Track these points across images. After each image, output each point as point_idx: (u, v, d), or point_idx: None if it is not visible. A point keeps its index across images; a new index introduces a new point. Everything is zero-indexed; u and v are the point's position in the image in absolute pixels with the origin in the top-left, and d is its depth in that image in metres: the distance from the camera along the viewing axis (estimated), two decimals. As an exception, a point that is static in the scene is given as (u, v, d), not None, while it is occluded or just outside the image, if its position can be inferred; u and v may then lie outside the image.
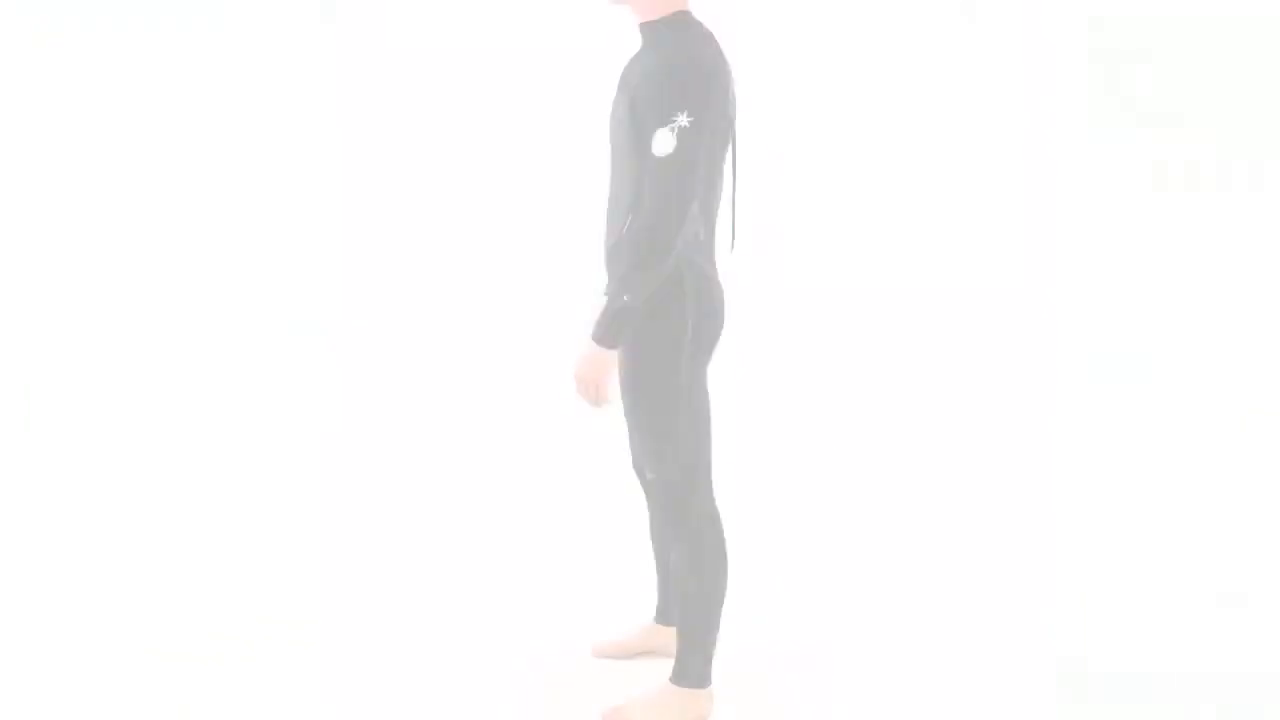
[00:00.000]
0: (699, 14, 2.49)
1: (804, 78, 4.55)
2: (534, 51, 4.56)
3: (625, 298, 2.24)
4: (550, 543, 3.53)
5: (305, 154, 4.53)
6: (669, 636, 2.83)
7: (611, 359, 2.29)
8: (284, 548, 3.42)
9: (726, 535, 2.63)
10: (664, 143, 2.20)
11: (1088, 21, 4.32)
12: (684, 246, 2.32)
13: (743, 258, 4.51)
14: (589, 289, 4.56)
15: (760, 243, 4.33)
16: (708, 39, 2.29)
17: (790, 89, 4.44)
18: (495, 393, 4.40)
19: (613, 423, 2.67)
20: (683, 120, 2.19)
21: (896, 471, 4.04)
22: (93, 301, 4.40)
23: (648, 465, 2.45)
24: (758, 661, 2.86)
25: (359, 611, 3.09)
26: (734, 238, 2.58)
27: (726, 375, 3.06)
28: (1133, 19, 4.22)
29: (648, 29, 2.33)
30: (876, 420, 4.35)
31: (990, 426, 4.26)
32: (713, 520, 2.47)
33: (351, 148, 4.56)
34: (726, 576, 2.51)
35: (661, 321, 2.33)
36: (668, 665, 2.83)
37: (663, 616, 2.82)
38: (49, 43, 4.29)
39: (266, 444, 4.04)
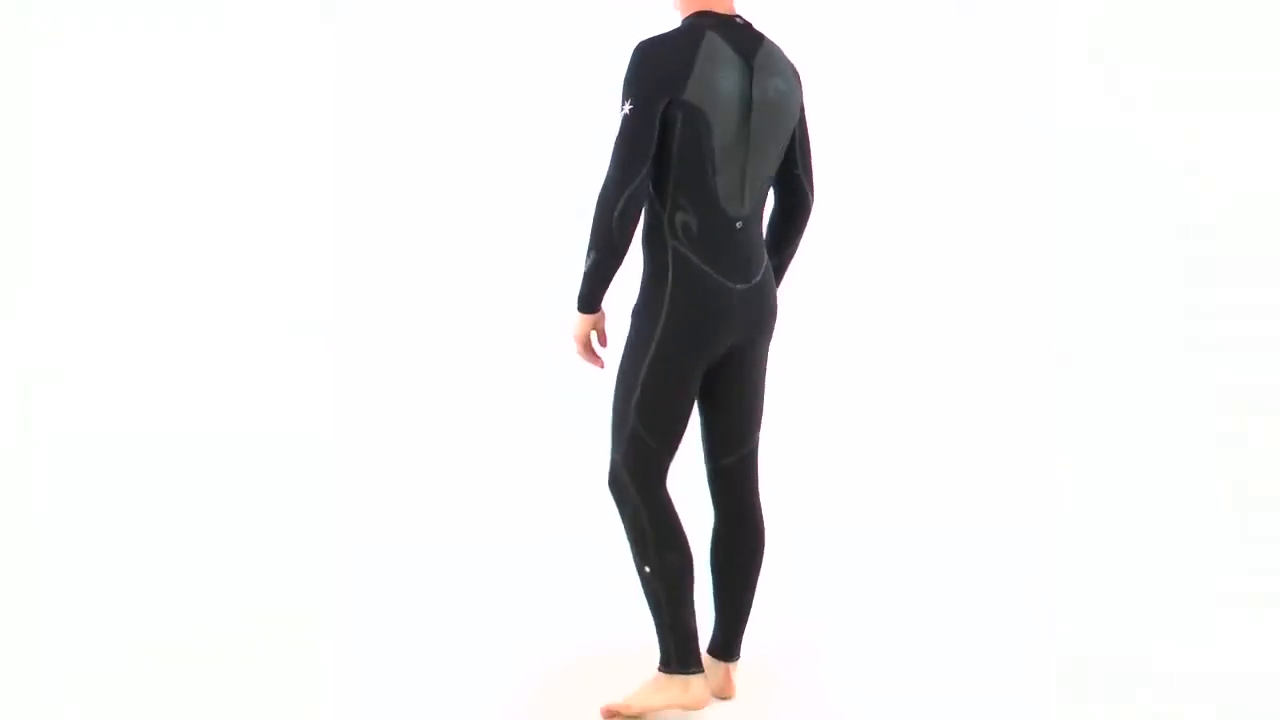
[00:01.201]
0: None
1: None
2: (535, 51, 4.56)
3: (585, 268, 2.40)
4: (549, 542, 3.53)
5: (305, 154, 4.53)
6: (706, 664, 2.71)
7: (588, 321, 2.45)
8: (281, 547, 3.42)
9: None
10: (618, 128, 2.36)
11: (1087, 20, 4.31)
12: (672, 238, 2.40)
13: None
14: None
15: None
16: (690, 32, 2.36)
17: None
18: (496, 392, 4.40)
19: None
20: (625, 108, 2.33)
21: (898, 470, 4.05)
22: (92, 300, 4.39)
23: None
24: (756, 659, 2.85)
25: (359, 612, 3.09)
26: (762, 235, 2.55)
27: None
28: (1132, 15, 4.22)
29: None
30: (879, 419, 4.34)
31: (992, 425, 4.25)
32: (655, 511, 2.48)
33: (351, 148, 4.56)
34: (677, 566, 2.49)
35: (643, 309, 2.46)
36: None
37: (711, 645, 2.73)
38: (48, 41, 4.29)
39: (264, 443, 4.04)
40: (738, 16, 2.45)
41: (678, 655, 2.54)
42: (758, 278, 2.49)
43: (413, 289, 4.61)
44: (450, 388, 4.45)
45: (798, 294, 4.49)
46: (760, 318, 2.52)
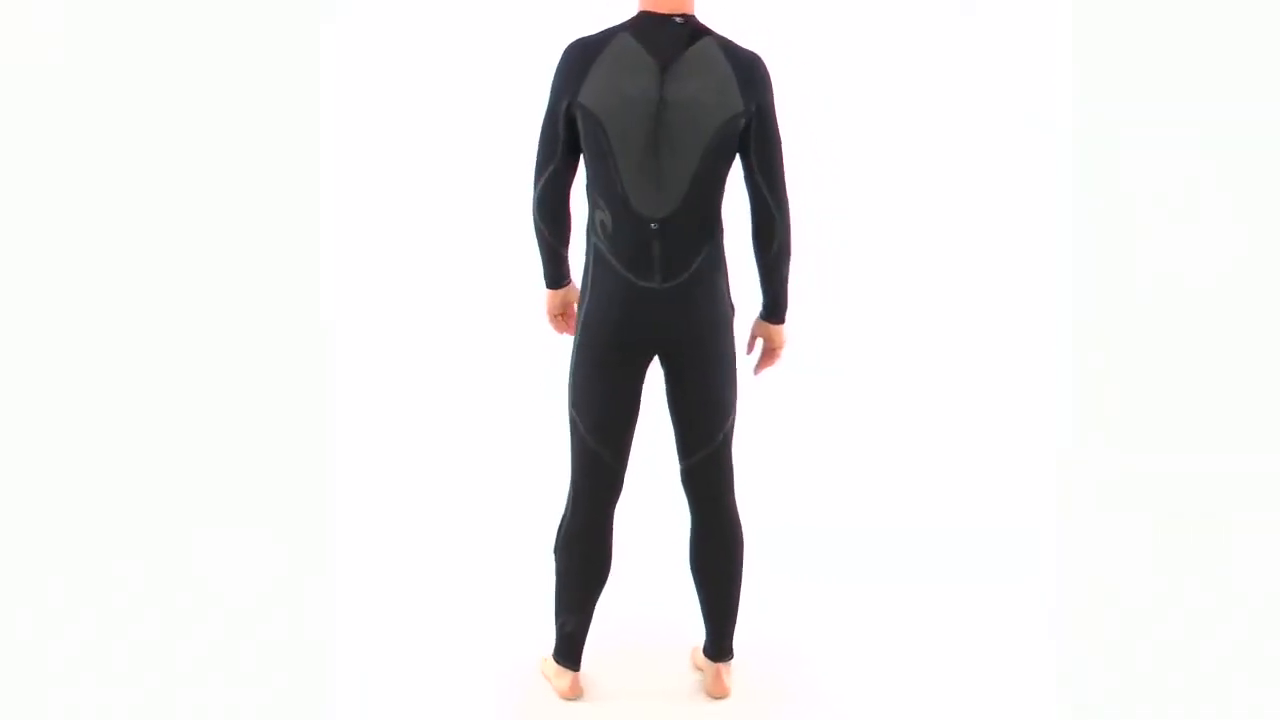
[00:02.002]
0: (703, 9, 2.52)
1: (798, 72, 4.55)
2: (536, 51, 4.56)
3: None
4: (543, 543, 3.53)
5: (305, 154, 4.53)
6: (703, 664, 2.79)
7: (553, 296, 2.65)
8: (280, 547, 3.42)
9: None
10: None
11: (1088, 19, 4.31)
12: (593, 234, 2.51)
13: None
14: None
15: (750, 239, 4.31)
16: (606, 34, 2.44)
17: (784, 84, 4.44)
18: (496, 389, 4.40)
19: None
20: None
21: (897, 470, 4.04)
22: (87, 298, 4.39)
23: None
24: (753, 660, 2.85)
25: (355, 611, 3.09)
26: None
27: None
28: (1134, 15, 4.21)
29: None
30: (877, 419, 4.34)
31: (991, 424, 4.25)
32: (578, 502, 2.60)
33: (351, 148, 4.56)
34: (564, 566, 2.65)
35: (579, 298, 2.59)
36: (660, 678, 2.83)
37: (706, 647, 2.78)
38: (47, 40, 4.29)
39: (262, 444, 4.03)
40: (680, 16, 2.43)
41: (557, 645, 2.72)
42: (681, 279, 2.46)
43: (412, 289, 4.61)
44: (451, 385, 4.45)
45: (798, 294, 4.50)
46: (692, 318, 2.49)
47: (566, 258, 2.62)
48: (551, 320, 2.70)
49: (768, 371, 2.77)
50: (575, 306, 2.64)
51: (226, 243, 4.61)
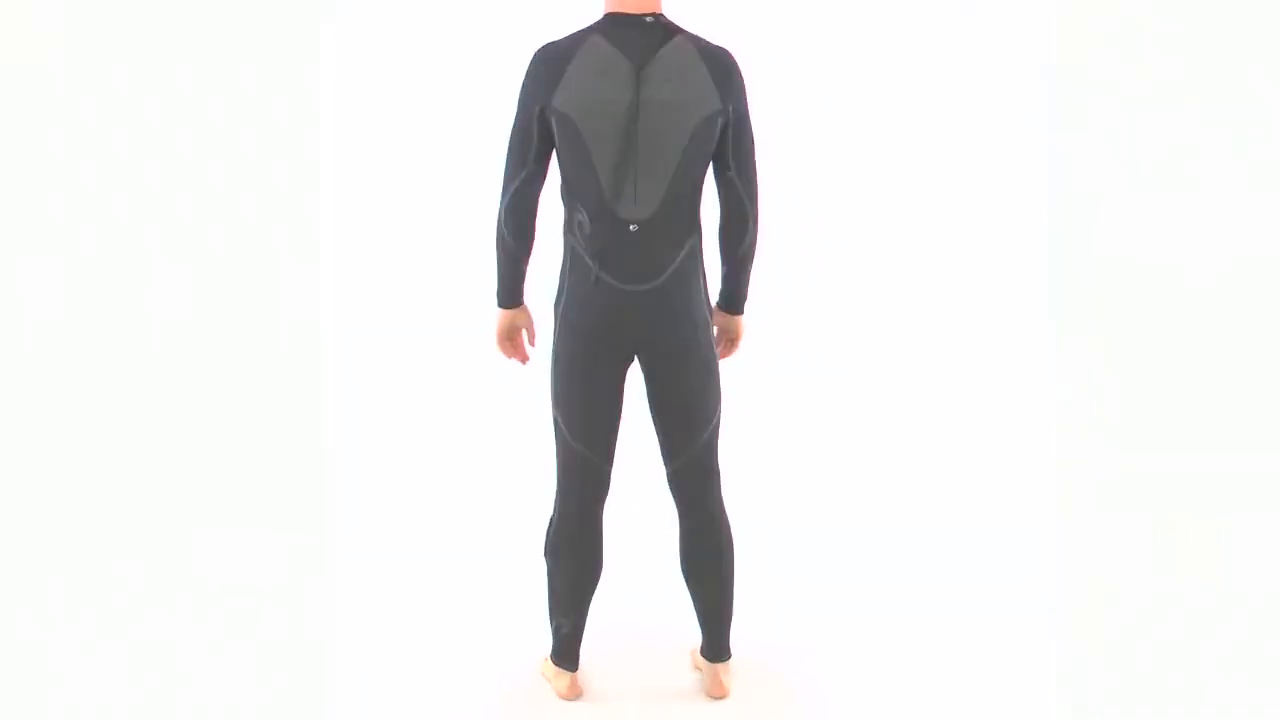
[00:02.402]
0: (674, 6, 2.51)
1: (796, 71, 4.55)
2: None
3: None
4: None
5: (304, 154, 4.52)
6: (701, 665, 2.79)
7: (504, 317, 2.60)
8: (280, 549, 3.42)
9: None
10: None
11: (1089, 20, 4.31)
12: (570, 235, 2.47)
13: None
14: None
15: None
16: (577, 37, 2.41)
17: (779, 83, 4.44)
18: (497, 393, 4.40)
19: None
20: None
21: (897, 469, 4.04)
22: (88, 302, 4.39)
23: None
24: (753, 659, 2.85)
25: (355, 611, 3.09)
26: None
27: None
28: (1135, 15, 4.21)
29: None
30: (876, 418, 4.34)
31: (991, 423, 4.25)
32: (566, 505, 2.60)
33: (350, 148, 4.56)
34: (553, 569, 2.64)
35: (555, 300, 2.54)
36: (660, 678, 2.83)
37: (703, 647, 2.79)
38: (46, 40, 4.28)
39: (262, 445, 4.03)
40: (650, 15, 2.41)
41: (554, 647, 2.71)
42: (659, 280, 2.44)
43: (411, 289, 4.61)
44: (451, 386, 4.45)
45: (796, 293, 4.51)
46: (669, 320, 2.46)
47: (524, 275, 2.56)
48: (500, 344, 2.63)
49: (761, 370, 2.77)
50: (524, 334, 2.62)
51: (226, 243, 4.60)
